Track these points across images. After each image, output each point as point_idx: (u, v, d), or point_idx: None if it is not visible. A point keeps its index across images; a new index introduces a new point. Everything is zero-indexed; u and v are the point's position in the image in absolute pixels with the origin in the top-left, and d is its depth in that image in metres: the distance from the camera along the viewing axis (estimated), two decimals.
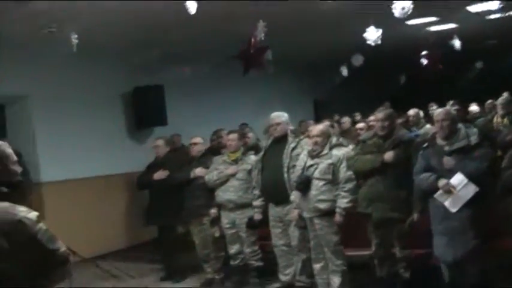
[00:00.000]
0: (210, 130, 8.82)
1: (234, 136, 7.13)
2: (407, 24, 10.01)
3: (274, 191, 6.54)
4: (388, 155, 5.81)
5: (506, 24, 10.86)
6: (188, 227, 7.57)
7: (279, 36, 8.66)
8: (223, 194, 7.00)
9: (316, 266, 6.24)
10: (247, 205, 6.90)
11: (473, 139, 5.38)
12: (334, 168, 6.00)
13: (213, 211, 7.19)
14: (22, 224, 2.85)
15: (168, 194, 7.63)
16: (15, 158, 3.08)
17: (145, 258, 8.77)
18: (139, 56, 9.95)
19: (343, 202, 5.94)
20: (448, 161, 5.37)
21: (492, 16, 10.39)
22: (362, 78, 13.77)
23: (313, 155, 6.12)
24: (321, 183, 6.01)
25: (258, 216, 6.83)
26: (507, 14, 10.13)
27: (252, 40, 7.87)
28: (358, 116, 10.96)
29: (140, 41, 9.37)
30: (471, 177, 5.25)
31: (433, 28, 11.00)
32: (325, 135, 6.14)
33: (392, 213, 5.84)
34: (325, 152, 6.08)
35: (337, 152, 6.08)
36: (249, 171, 6.91)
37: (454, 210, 5.33)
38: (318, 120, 10.75)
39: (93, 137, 9.80)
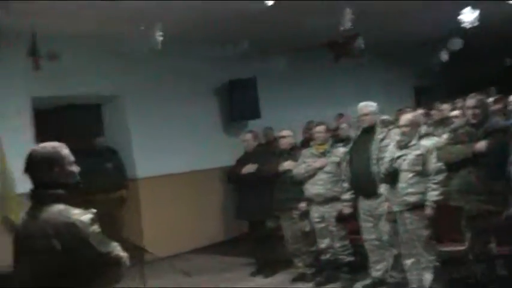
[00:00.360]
0: (305, 122, 8.70)
1: (321, 128, 6.97)
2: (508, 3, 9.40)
3: (364, 183, 6.35)
4: (480, 145, 5.44)
5: None
6: (278, 221, 7.48)
7: (374, 23, 8.41)
8: (312, 188, 6.86)
9: (407, 262, 5.98)
10: (336, 198, 6.73)
11: None
12: (423, 159, 5.71)
13: (302, 205, 7.06)
14: (75, 226, 2.84)
15: (257, 188, 7.57)
16: (72, 159, 3.08)
17: (239, 252, 8.74)
18: (231, 49, 9.97)
19: (433, 195, 5.64)
20: None
21: None
22: (464, 63, 13.15)
23: (402, 145, 5.86)
24: (410, 175, 5.74)
25: (347, 210, 6.64)
26: None
27: (340, 28, 7.66)
28: (459, 103, 10.41)
29: (231, 34, 9.36)
30: None
31: None
32: (414, 125, 5.86)
33: (487, 206, 5.47)
34: (413, 142, 5.80)
35: (426, 142, 5.79)
36: (338, 164, 6.72)
37: None
38: (419, 108, 10.31)
39: (187, 131, 9.88)
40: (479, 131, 5.56)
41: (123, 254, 2.98)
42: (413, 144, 5.79)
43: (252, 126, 10.31)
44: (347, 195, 6.60)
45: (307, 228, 7.11)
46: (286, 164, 7.16)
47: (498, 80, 12.22)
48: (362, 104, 6.49)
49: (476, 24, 7.99)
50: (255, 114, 10.41)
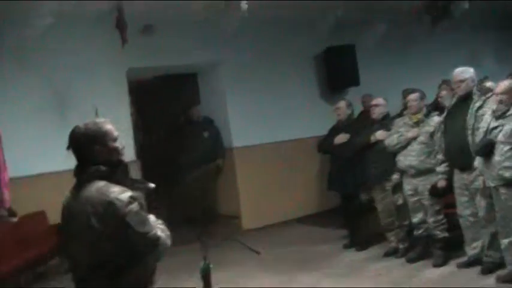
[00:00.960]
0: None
1: (414, 96, 6.57)
2: None
3: (459, 155, 5.92)
4: None
5: None
6: (371, 193, 7.19)
7: None
8: (404, 159, 6.51)
9: (504, 241, 5.54)
10: (430, 171, 6.34)
11: None
12: None
13: (395, 177, 6.74)
14: (112, 205, 2.76)
15: (348, 159, 7.32)
16: (115, 134, 2.99)
17: (333, 224, 8.53)
18: (329, 16, 9.66)
19: None
20: None
21: None
22: None
23: (498, 115, 5.39)
24: (506, 147, 5.28)
25: (442, 183, 6.25)
26: None
27: None
28: None
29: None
30: None
31: None
32: None
33: None
34: (511, 112, 5.32)
35: None
36: (432, 134, 6.32)
37: None
38: None
39: (283, 100, 9.70)
40: None
41: (162, 234, 2.88)
42: (511, 114, 5.31)
43: (352, 94, 10.02)
44: (441, 168, 6.21)
45: (400, 202, 6.79)
46: (378, 134, 6.83)
47: None
48: (458, 69, 6.03)
49: None
50: (354, 82, 10.05)
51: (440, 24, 7.50)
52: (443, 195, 6.36)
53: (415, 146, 6.41)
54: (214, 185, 9.88)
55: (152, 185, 3.09)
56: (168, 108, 9.97)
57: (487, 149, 5.38)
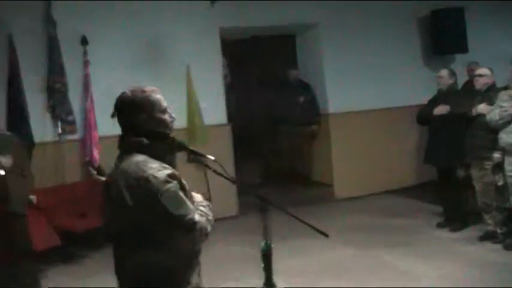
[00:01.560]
0: None
1: None
2: None
3: None
4: None
5: None
6: (469, 170, 6.65)
7: None
8: (507, 137, 5.93)
9: None
10: None
11: None
12: None
13: (497, 155, 6.18)
14: (147, 181, 2.53)
15: (448, 132, 6.80)
16: (164, 105, 2.74)
17: (431, 199, 8.04)
18: None
19: None
20: None
21: None
22: None
23: None
24: None
25: None
26: None
27: None
28: None
29: None
30: None
31: None
32: None
33: None
34: None
35: None
36: None
37: None
38: None
39: (384, 65, 9.20)
40: None
41: (201, 219, 2.62)
42: None
43: (459, 61, 9.36)
44: None
45: (500, 182, 6.22)
46: (480, 108, 6.26)
47: None
48: None
49: None
50: (461, 48, 9.35)
51: None
52: None
53: None
54: (308, 151, 9.62)
55: (212, 158, 2.84)
56: (264, 70, 9.72)
57: None
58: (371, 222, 7.63)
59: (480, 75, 6.43)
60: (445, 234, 6.86)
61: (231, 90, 9.09)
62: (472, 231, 6.74)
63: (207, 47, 8.28)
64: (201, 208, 2.70)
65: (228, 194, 7.84)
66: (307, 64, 9.49)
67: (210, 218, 2.70)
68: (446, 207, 7.24)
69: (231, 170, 8.31)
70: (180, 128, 7.99)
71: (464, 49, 9.34)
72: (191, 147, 2.89)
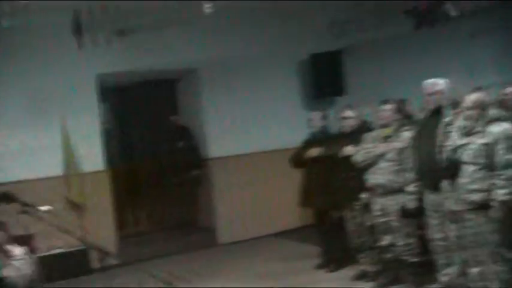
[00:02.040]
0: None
1: (387, 107, 6.06)
2: None
3: (429, 174, 5.42)
4: None
5: None
6: (341, 212, 6.72)
7: None
8: (372, 177, 6.02)
9: (473, 271, 5.04)
10: (399, 190, 5.84)
11: None
12: (489, 149, 4.73)
13: (365, 196, 6.25)
14: None
15: (321, 174, 6.86)
16: None
17: (309, 240, 8.09)
18: (314, 20, 9.22)
19: (500, 193, 4.69)
20: None
21: None
22: None
23: (465, 132, 4.90)
24: (473, 168, 4.79)
25: (412, 204, 5.73)
26: None
27: None
28: None
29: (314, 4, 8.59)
30: None
31: None
32: (480, 107, 4.87)
33: None
34: (479, 128, 4.83)
35: (495, 129, 4.79)
36: (402, 151, 5.83)
37: None
38: None
39: (265, 109, 9.31)
40: None
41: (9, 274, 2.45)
42: (479, 131, 4.82)
43: (340, 103, 9.54)
44: (411, 187, 5.70)
45: (370, 222, 6.30)
46: (347, 150, 6.35)
47: None
48: (428, 81, 5.52)
49: None
50: (340, 91, 9.57)
51: (423, 28, 7.05)
52: (414, 217, 5.86)
53: (383, 164, 5.92)
54: (192, 196, 9.54)
55: (44, 208, 2.69)
56: (146, 115, 9.62)
57: (452, 170, 4.90)
58: (252, 266, 7.60)
59: (345, 118, 6.56)
60: (324, 275, 6.89)
61: (113, 136, 8.93)
62: (349, 271, 6.77)
63: (83, 94, 8.13)
64: (15, 263, 2.54)
65: None
66: (189, 109, 9.46)
67: (26, 272, 2.54)
68: (324, 248, 7.27)
69: (109, 218, 8.12)
70: (55, 176, 7.85)
71: (342, 92, 9.55)
72: (21, 199, 2.73)
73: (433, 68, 9.93)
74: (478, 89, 4.99)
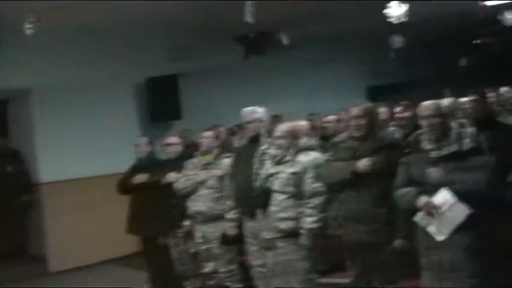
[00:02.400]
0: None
1: (208, 134, 6.07)
2: None
3: (246, 202, 5.45)
4: (362, 163, 4.54)
5: None
6: (167, 238, 6.60)
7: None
8: (193, 205, 6.00)
9: None
10: (219, 217, 5.85)
11: (467, 142, 4.06)
12: (297, 178, 4.82)
13: (187, 223, 6.20)
14: None
15: (146, 201, 6.69)
16: None
17: (143, 267, 7.89)
18: (150, 43, 9.10)
19: (308, 221, 4.77)
20: (433, 173, 4.08)
21: None
22: (423, 61, 12.30)
23: (276, 161, 4.97)
24: (282, 197, 4.86)
25: (232, 231, 5.75)
26: None
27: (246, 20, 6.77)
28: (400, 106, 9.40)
29: (151, 26, 8.46)
30: (465, 194, 3.95)
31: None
32: (291, 136, 4.96)
33: (369, 237, 4.57)
34: (288, 158, 4.91)
35: (304, 158, 4.89)
36: (222, 178, 5.83)
37: (440, 238, 4.08)
38: None
39: (99, 132, 9.02)
40: (363, 146, 4.66)
41: None
42: (289, 160, 4.90)
43: (178, 128, 9.45)
44: (231, 214, 5.72)
45: (193, 250, 6.24)
46: (169, 176, 6.27)
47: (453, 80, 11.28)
48: (247, 109, 5.61)
49: (403, 19, 7.06)
50: (176, 115, 9.49)
51: (250, 56, 7.15)
52: (234, 244, 5.87)
53: (203, 191, 5.93)
54: (22, 223, 9.05)
55: None
56: None
57: (264, 198, 4.94)
58: None
59: (169, 144, 6.49)
60: None
61: None
62: None
63: None
64: None
65: None
66: (19, 131, 8.99)
67: None
68: (152, 275, 7.11)
69: None
70: None
71: (178, 116, 9.48)
72: None
73: (266, 95, 10.25)
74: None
